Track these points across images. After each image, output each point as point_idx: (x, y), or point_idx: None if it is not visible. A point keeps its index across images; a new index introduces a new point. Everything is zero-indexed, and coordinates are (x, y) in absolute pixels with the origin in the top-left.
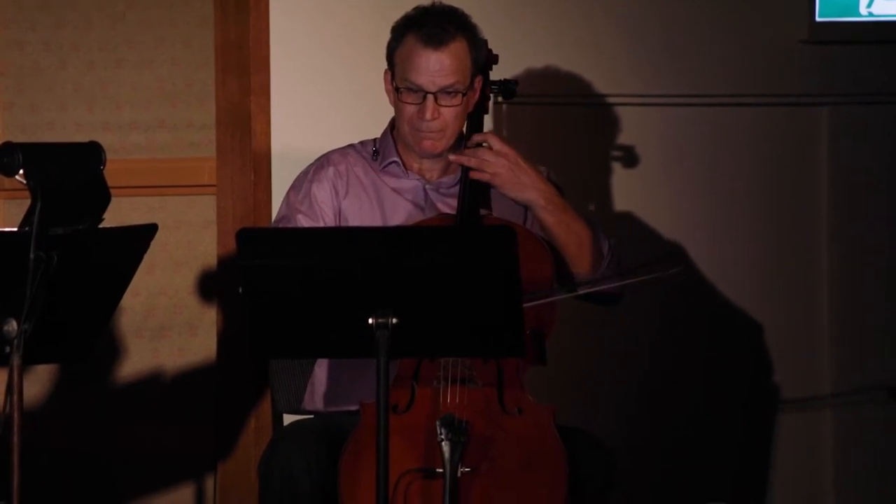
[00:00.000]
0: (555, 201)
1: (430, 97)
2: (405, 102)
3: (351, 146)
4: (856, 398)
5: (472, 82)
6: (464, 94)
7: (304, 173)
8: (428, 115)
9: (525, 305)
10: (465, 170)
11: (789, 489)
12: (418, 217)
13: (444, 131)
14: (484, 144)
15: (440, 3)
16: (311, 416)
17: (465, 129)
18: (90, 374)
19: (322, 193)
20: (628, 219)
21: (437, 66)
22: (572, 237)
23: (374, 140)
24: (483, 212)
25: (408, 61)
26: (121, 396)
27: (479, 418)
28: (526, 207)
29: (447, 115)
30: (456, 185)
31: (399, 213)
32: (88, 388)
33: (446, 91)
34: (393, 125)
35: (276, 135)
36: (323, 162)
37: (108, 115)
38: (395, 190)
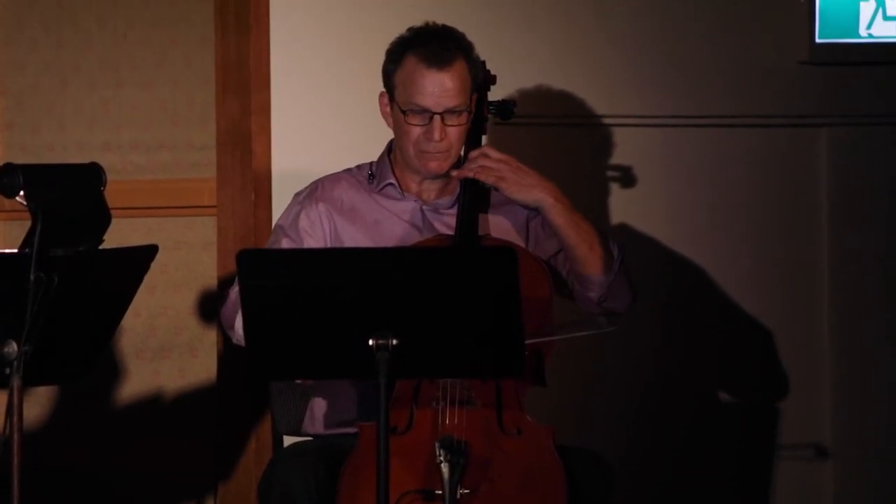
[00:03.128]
0: (563, 200)
1: (437, 118)
2: (411, 125)
3: (346, 171)
4: (857, 420)
5: (471, 100)
6: (469, 113)
7: (296, 198)
8: (436, 136)
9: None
10: (463, 190)
11: None
12: (415, 238)
13: (449, 151)
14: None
15: (433, 22)
16: (311, 438)
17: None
18: (90, 395)
19: (307, 221)
20: (628, 239)
21: (441, 87)
22: (583, 236)
23: (371, 164)
24: (482, 233)
25: (411, 83)
26: (121, 417)
27: (479, 439)
28: (528, 226)
29: (452, 135)
30: (453, 205)
31: (396, 235)
32: (89, 409)
33: (452, 111)
34: (390, 148)
35: (277, 155)
36: (314, 188)
37: (109, 136)
38: (391, 212)
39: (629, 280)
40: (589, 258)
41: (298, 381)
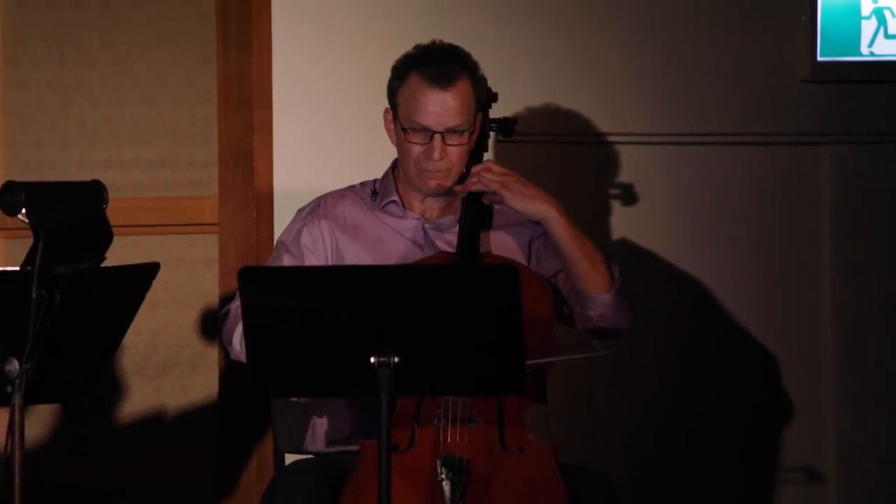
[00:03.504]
0: (566, 215)
1: (438, 137)
2: (412, 143)
3: (350, 188)
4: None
5: (475, 120)
6: (470, 133)
7: (299, 214)
8: (436, 155)
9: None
10: (465, 207)
11: None
12: (417, 255)
13: (450, 170)
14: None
15: (440, 41)
16: (313, 456)
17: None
18: (92, 413)
19: (309, 237)
20: (630, 256)
21: (443, 106)
22: (586, 252)
23: (375, 181)
24: (484, 250)
25: (413, 101)
26: (123, 435)
27: (480, 457)
28: (530, 247)
29: (453, 155)
30: (456, 224)
31: (397, 252)
32: (90, 427)
33: (453, 131)
34: (395, 165)
35: (279, 172)
36: (317, 205)
37: (111, 153)
38: (393, 229)
39: (630, 301)
40: (591, 274)
41: (294, 399)
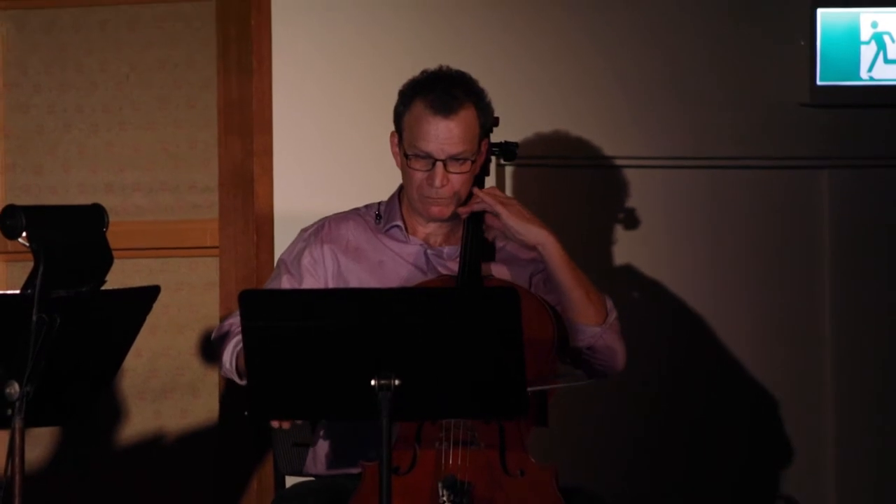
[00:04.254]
0: (560, 244)
1: (440, 164)
2: (414, 169)
3: (354, 210)
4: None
5: (479, 147)
6: (472, 161)
7: (301, 234)
8: (437, 183)
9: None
10: (467, 230)
11: None
12: (419, 280)
13: (452, 198)
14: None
15: (447, 67)
16: (313, 479)
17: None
18: (92, 436)
19: (310, 259)
20: (630, 280)
21: (446, 134)
22: (580, 282)
23: (379, 204)
24: (485, 274)
25: (416, 128)
26: (123, 458)
27: (482, 480)
28: (531, 280)
29: (456, 183)
30: (458, 255)
31: (400, 276)
32: (90, 450)
33: (455, 158)
34: (401, 189)
35: (279, 196)
36: (320, 226)
37: (112, 177)
38: (396, 253)
39: (622, 339)
40: (585, 305)
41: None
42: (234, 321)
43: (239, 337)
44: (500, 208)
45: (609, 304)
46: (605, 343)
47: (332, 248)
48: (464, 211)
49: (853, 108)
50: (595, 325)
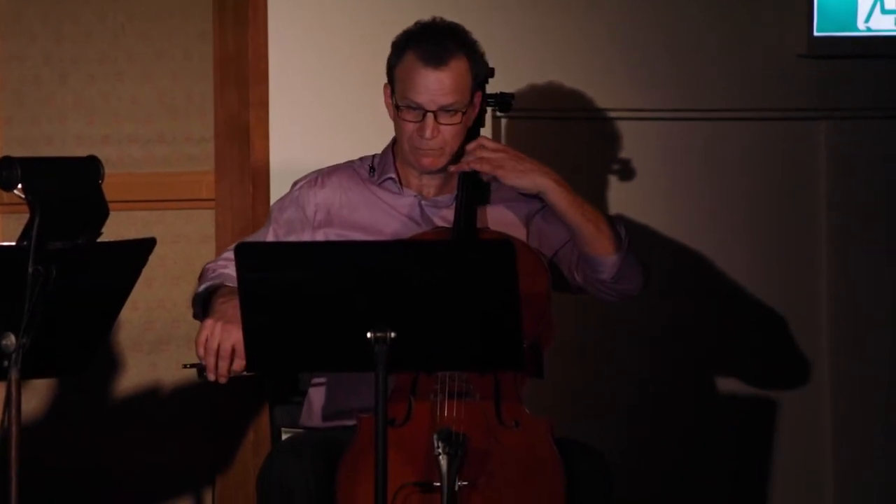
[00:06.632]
0: (563, 184)
1: (430, 115)
2: (405, 120)
3: (348, 163)
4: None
5: (471, 99)
6: (463, 113)
7: (293, 187)
8: (427, 134)
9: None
10: (461, 184)
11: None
12: (413, 232)
13: (443, 149)
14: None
15: (440, 18)
16: (309, 431)
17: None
18: (88, 388)
19: (299, 212)
20: (627, 231)
21: (436, 85)
22: (589, 216)
23: (374, 156)
24: (480, 226)
25: (407, 79)
26: (119, 410)
27: (477, 432)
28: (530, 222)
29: (447, 134)
30: (452, 203)
31: (393, 228)
32: (87, 402)
33: (446, 110)
34: (394, 142)
35: (275, 148)
36: (313, 180)
37: (108, 129)
38: (390, 205)
39: (639, 259)
40: (597, 238)
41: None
42: (213, 266)
43: (210, 282)
44: (496, 171)
45: (622, 229)
46: (625, 268)
47: (326, 201)
48: (455, 170)
49: (850, 58)
50: (611, 254)
